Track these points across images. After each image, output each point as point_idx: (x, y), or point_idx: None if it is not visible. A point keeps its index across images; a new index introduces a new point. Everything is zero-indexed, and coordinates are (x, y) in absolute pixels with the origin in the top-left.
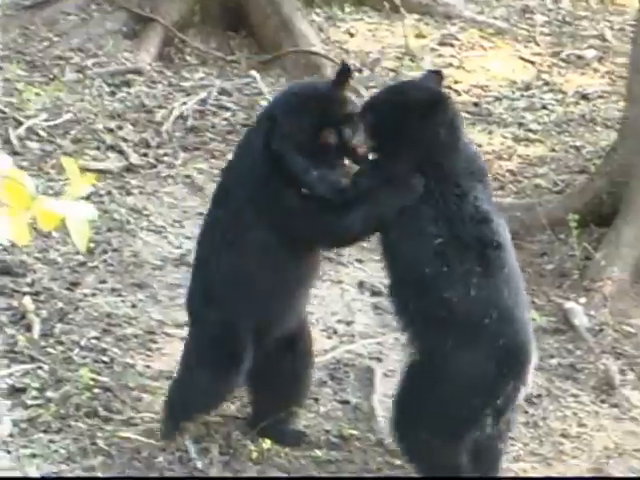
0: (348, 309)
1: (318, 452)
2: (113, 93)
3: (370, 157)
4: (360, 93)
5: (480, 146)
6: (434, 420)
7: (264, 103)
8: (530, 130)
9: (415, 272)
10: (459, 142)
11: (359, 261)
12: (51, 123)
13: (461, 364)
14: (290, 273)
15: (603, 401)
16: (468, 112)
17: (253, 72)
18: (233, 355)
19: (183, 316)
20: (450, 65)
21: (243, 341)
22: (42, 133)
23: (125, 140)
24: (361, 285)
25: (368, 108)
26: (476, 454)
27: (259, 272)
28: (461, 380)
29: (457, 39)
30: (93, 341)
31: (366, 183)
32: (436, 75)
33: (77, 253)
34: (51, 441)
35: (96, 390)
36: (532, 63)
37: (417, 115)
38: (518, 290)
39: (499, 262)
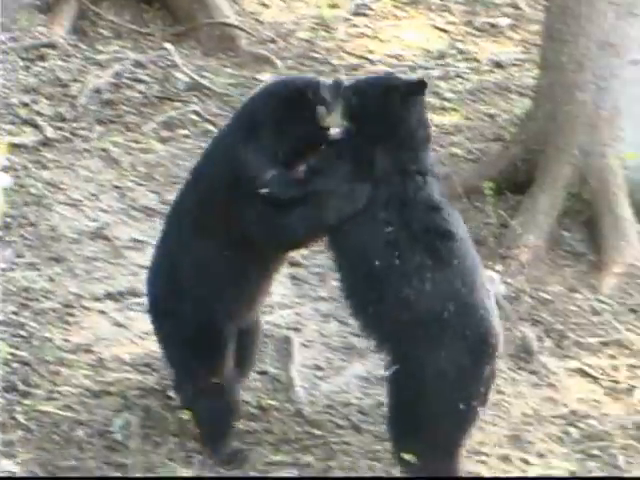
0: None
1: (237, 423)
2: (28, 67)
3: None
4: (276, 65)
5: None
6: (432, 434)
7: (179, 75)
8: (445, 99)
9: (366, 266)
10: (430, 136)
11: None
12: None
13: (438, 365)
14: (254, 266)
15: (521, 368)
16: None
17: (167, 44)
18: (217, 348)
19: (100, 289)
20: (364, 35)
21: (223, 330)
22: None
23: (40, 114)
24: None
25: (352, 90)
26: None
27: (227, 264)
28: (443, 382)
29: (371, 9)
30: (11, 316)
31: (319, 182)
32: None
33: None
34: None
35: (14, 365)
36: (446, 32)
37: (398, 97)
38: (474, 279)
39: (449, 254)
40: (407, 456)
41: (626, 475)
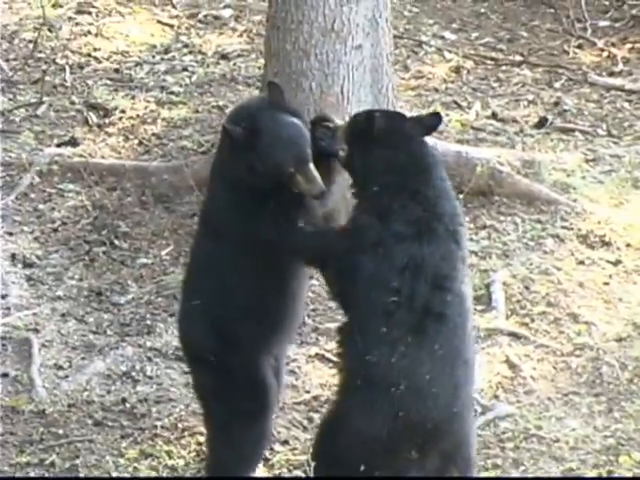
0: (2, 282)
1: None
2: None
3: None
4: (1, 67)
5: (124, 112)
6: (337, 468)
7: None
8: (172, 93)
9: (360, 323)
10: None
11: (10, 234)
12: None
13: (358, 424)
14: (284, 289)
15: None
16: (110, 79)
17: None
18: (263, 397)
19: None
20: (89, 33)
21: (267, 376)
22: None
23: None
24: (13, 257)
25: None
26: None
27: (262, 297)
28: (355, 439)
29: (94, 6)
30: None
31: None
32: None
33: None
34: None
35: None
36: (170, 26)
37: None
38: (445, 370)
39: (434, 337)
40: None
41: None
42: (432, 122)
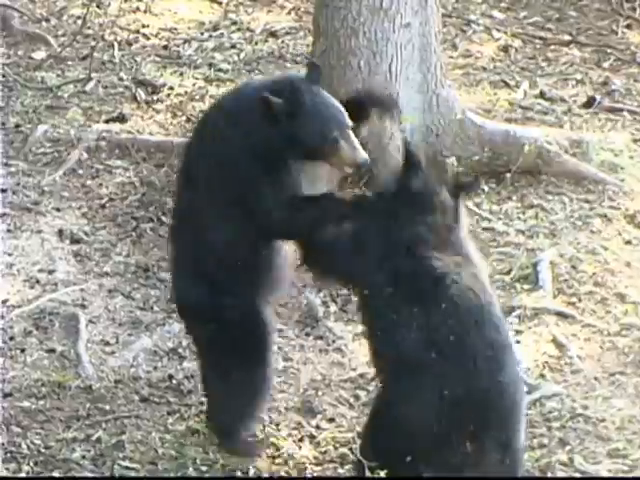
0: (49, 258)
1: (27, 402)
2: None
3: None
4: (50, 43)
5: (172, 88)
6: (389, 452)
7: None
8: (220, 70)
9: (373, 316)
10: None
11: (57, 209)
12: None
13: (406, 406)
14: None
15: (308, 334)
16: (158, 55)
17: None
18: (261, 337)
19: None
20: (137, 9)
21: (263, 315)
22: None
23: None
24: (61, 233)
25: None
26: None
27: (251, 246)
28: (405, 421)
29: None
30: None
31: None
32: None
33: None
34: None
35: None
36: (219, 3)
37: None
38: (475, 330)
39: (436, 299)
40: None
41: None
42: (471, 188)
